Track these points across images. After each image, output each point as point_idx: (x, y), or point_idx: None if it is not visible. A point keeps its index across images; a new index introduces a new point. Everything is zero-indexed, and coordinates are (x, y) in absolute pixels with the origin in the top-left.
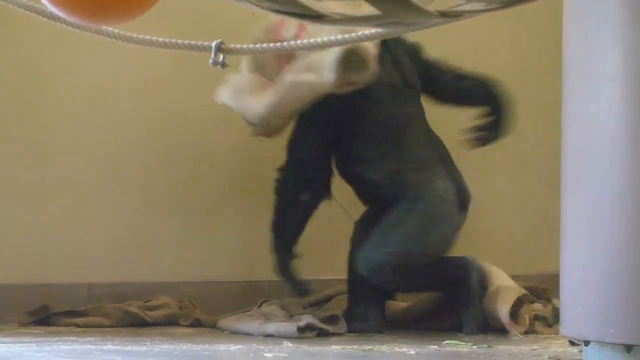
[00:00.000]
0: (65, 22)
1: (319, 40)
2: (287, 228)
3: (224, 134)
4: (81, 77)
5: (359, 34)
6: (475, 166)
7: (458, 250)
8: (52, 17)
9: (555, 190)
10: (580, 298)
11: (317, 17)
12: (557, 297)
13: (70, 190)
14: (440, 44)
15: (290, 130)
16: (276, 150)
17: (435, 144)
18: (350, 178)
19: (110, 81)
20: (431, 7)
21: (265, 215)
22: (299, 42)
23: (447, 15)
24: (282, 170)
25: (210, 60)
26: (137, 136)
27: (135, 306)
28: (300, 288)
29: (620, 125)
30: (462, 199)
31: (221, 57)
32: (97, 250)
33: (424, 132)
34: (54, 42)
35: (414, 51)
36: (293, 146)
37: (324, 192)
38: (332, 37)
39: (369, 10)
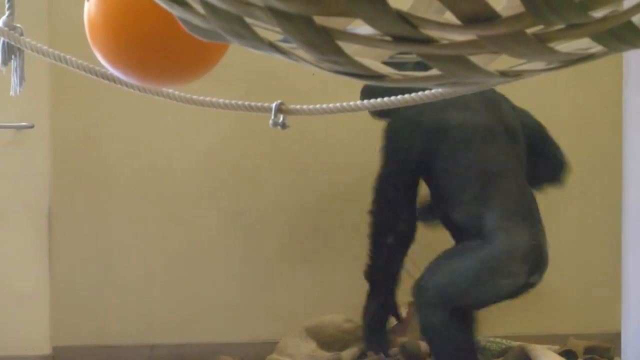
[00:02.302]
0: (126, 84)
1: (379, 100)
2: (376, 273)
3: (287, 193)
4: (144, 138)
5: (421, 93)
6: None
7: (521, 300)
8: (113, 79)
9: (619, 247)
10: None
11: (378, 77)
12: (619, 355)
13: (132, 251)
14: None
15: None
16: (338, 204)
17: (526, 197)
18: (437, 214)
19: (173, 143)
20: (491, 67)
21: (327, 276)
22: (360, 102)
23: (507, 75)
24: (370, 213)
25: (270, 122)
26: (200, 196)
27: None
28: (377, 346)
29: None
30: (537, 261)
31: (281, 118)
32: (159, 311)
33: (516, 184)
34: (115, 105)
35: (512, 105)
36: (379, 187)
37: (410, 235)
38: (394, 98)
39: (430, 70)
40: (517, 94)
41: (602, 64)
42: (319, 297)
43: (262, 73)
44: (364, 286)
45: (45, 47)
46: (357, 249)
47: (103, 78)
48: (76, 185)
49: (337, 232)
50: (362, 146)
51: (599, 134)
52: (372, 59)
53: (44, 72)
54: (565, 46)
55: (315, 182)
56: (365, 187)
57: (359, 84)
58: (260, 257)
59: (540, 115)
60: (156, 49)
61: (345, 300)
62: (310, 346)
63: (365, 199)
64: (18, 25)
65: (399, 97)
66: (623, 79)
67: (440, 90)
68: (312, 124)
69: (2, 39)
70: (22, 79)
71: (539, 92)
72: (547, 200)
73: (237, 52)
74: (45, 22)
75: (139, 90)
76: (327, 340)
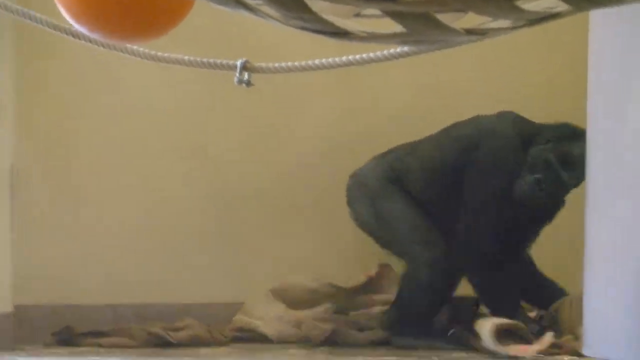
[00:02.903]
0: (90, 40)
1: (343, 58)
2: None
3: (251, 158)
4: (110, 101)
5: (388, 51)
6: None
7: None
8: (78, 35)
9: (581, 212)
10: (604, 319)
11: (343, 34)
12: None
13: (97, 211)
14: (472, 70)
15: None
16: (306, 174)
17: None
18: None
19: (139, 108)
20: (457, 25)
21: (294, 238)
22: (325, 60)
23: (472, 33)
24: None
25: (235, 79)
26: (162, 158)
27: (159, 327)
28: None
29: None
30: None
31: (246, 76)
32: (122, 271)
33: None
34: (80, 67)
35: None
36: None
37: None
38: (359, 56)
39: (394, 27)
40: (485, 69)
41: (568, 32)
42: (285, 261)
43: (228, 33)
44: (331, 252)
45: (9, 3)
46: (325, 216)
47: (67, 34)
48: (40, 146)
49: (306, 197)
50: (332, 115)
51: (565, 107)
52: (338, 17)
53: (9, 35)
54: (532, 5)
55: (284, 148)
56: (333, 156)
57: (329, 49)
58: (226, 219)
59: (508, 89)
60: (120, 3)
61: (312, 262)
62: (279, 308)
63: (334, 166)
64: None
65: (364, 55)
66: (589, 49)
67: (406, 49)
68: (283, 92)
69: None
70: None
71: (506, 66)
72: None
73: (203, 11)
74: None
75: (103, 47)
76: (295, 300)
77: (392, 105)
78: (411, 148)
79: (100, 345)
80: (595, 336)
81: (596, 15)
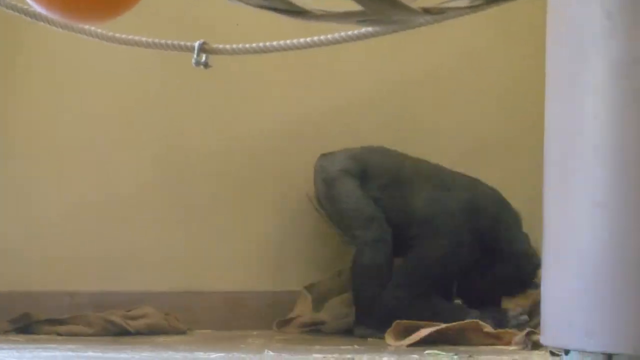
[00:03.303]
0: (48, 21)
1: (302, 40)
2: None
3: (215, 139)
4: (68, 80)
5: (346, 33)
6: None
7: None
8: (35, 16)
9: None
10: (561, 307)
11: (301, 13)
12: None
13: (54, 196)
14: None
15: None
16: (270, 157)
17: None
18: None
19: (96, 86)
20: (415, 5)
21: (252, 224)
22: (283, 42)
23: (430, 13)
24: None
25: (193, 61)
26: (124, 141)
27: (117, 315)
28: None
29: (604, 135)
30: None
31: (204, 58)
32: (80, 258)
33: None
34: (39, 42)
35: None
36: None
37: None
38: (317, 38)
39: (352, 6)
40: (441, 50)
41: (528, 19)
42: (244, 247)
43: (184, 14)
44: (283, 236)
45: None
46: (278, 198)
47: (25, 15)
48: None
49: (266, 180)
50: (292, 95)
51: (524, 98)
52: None
53: None
54: None
55: (244, 128)
56: (294, 135)
57: (288, 30)
58: (184, 205)
59: (466, 73)
60: None
61: (264, 249)
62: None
63: (294, 146)
64: None
65: (322, 37)
66: (546, 33)
67: (369, 29)
68: (243, 72)
69: None
70: None
71: (465, 50)
72: (468, 157)
73: None
74: None
75: (61, 28)
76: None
77: (356, 87)
78: (386, 166)
79: (58, 334)
80: (552, 325)
81: None
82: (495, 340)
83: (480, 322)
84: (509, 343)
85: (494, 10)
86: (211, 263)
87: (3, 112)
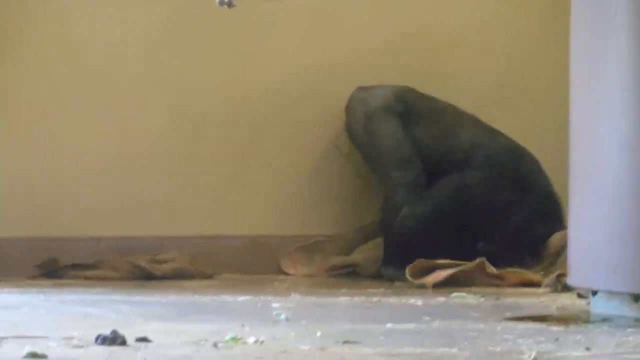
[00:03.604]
0: None
1: None
2: None
3: (232, 89)
4: (83, 32)
5: None
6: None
7: None
8: None
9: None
10: (588, 249)
11: None
12: None
13: (78, 143)
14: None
15: None
16: (286, 101)
17: None
18: None
19: (112, 35)
20: None
21: (273, 170)
22: None
23: None
24: None
25: (217, 1)
26: (141, 92)
27: (143, 260)
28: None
29: (630, 76)
30: None
31: None
32: (105, 203)
33: None
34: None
35: None
36: None
37: None
38: None
39: None
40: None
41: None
42: (265, 194)
43: None
44: (305, 181)
45: None
46: (301, 147)
47: None
48: (15, 73)
49: (283, 129)
50: (311, 39)
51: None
52: None
53: None
54: None
55: (262, 78)
56: (313, 85)
57: None
58: (203, 152)
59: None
60: None
61: (286, 194)
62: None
63: (312, 95)
64: None
65: None
66: (570, 34)
67: None
68: (261, 17)
69: None
70: None
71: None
72: (488, 98)
73: None
74: None
75: None
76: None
77: (373, 32)
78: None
79: (85, 278)
80: (579, 266)
81: None
82: (499, 280)
83: (486, 262)
84: (510, 283)
85: None
86: (235, 208)
87: (24, 72)
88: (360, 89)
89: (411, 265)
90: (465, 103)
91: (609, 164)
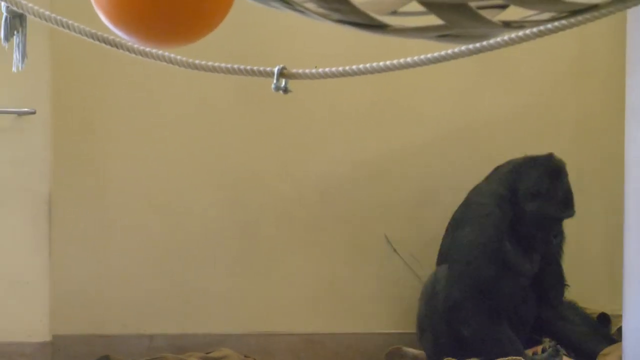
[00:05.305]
0: (127, 48)
1: (381, 64)
2: None
3: (285, 183)
4: (144, 127)
5: (424, 57)
6: None
7: None
8: (115, 44)
9: (618, 246)
10: None
11: (380, 27)
12: None
13: (132, 240)
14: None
15: None
16: (336, 196)
17: None
18: None
19: (173, 132)
20: (496, 19)
21: (328, 266)
22: (362, 66)
23: (510, 26)
24: None
25: (273, 86)
26: (198, 185)
27: (196, 357)
28: None
29: None
30: None
31: (283, 83)
32: (158, 301)
33: None
34: (115, 92)
35: None
36: None
37: None
38: (396, 61)
39: (432, 21)
40: (519, 91)
41: (604, 60)
42: (318, 288)
43: (262, 39)
44: (363, 276)
45: (47, 12)
46: (356, 240)
47: (105, 43)
48: (76, 173)
49: (338, 222)
50: (363, 139)
51: (599, 134)
52: (375, 13)
53: (45, 58)
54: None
55: (316, 171)
56: (362, 180)
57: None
58: (258, 247)
59: (542, 112)
60: (158, 4)
61: (344, 290)
62: None
63: (366, 190)
64: None
65: (401, 60)
66: (626, 76)
67: (463, 49)
68: (317, 113)
69: (4, 14)
70: (24, 55)
71: (541, 90)
72: None
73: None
74: None
75: (141, 55)
76: None
77: (431, 127)
78: None
79: None
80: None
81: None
82: None
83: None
84: None
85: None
86: (288, 304)
87: (77, 154)
88: None
89: None
90: None
91: None
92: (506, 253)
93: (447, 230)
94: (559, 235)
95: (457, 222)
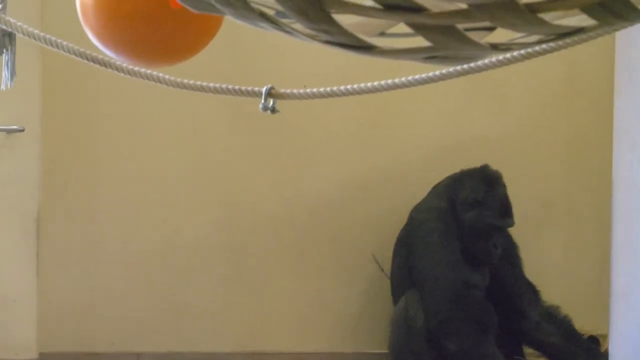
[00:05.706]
0: (116, 68)
1: (369, 84)
2: None
3: (276, 201)
4: (134, 144)
5: (412, 78)
6: (529, 240)
7: None
8: (104, 63)
9: (606, 265)
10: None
11: (367, 48)
12: None
13: (121, 257)
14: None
15: None
16: (328, 214)
17: None
18: None
19: (161, 149)
20: (484, 42)
21: (317, 285)
22: (350, 86)
23: (498, 49)
24: None
25: (261, 106)
26: (188, 202)
27: None
28: None
29: None
30: None
31: (271, 103)
32: (146, 319)
33: None
34: (104, 109)
35: None
36: None
37: None
38: (384, 82)
39: (419, 42)
40: (509, 112)
41: (593, 82)
42: (307, 307)
43: (244, 59)
44: (352, 296)
45: (36, 31)
46: (345, 259)
47: (94, 62)
48: (65, 190)
49: (326, 241)
50: (352, 159)
51: (589, 154)
52: (362, 35)
53: (35, 76)
54: (558, 21)
55: (305, 190)
56: (351, 200)
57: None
58: (248, 266)
59: (532, 134)
60: (147, 25)
61: (332, 310)
62: None
63: (354, 210)
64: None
65: (389, 81)
66: (614, 97)
67: (450, 70)
68: (306, 132)
69: None
70: (13, 73)
71: (531, 111)
72: (533, 217)
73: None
74: (37, 11)
75: (130, 74)
76: None
77: (418, 145)
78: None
79: None
80: None
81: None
82: None
83: None
84: None
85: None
86: (277, 323)
87: (66, 172)
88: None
89: None
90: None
91: None
92: None
93: (394, 254)
94: (500, 245)
95: (404, 244)
